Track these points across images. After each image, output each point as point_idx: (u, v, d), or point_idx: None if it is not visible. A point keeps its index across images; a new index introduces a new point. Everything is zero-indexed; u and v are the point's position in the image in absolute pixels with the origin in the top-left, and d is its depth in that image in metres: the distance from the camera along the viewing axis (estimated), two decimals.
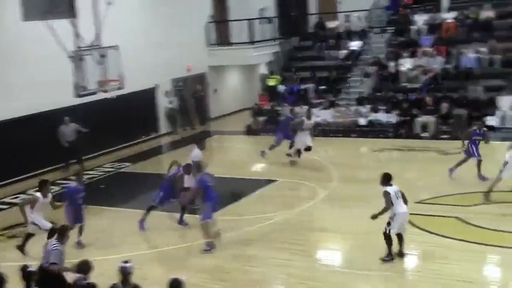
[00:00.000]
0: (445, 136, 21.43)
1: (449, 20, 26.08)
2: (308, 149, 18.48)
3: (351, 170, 17.91)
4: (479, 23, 25.37)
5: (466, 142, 16.06)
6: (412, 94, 23.64)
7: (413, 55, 25.19)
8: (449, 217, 13.13)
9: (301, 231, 13.26)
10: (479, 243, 11.63)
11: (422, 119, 22.08)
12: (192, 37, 26.21)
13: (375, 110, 23.42)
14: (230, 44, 28.30)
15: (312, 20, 30.74)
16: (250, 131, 25.04)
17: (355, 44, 27.45)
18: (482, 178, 15.51)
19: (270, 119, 24.93)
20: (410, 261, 11.49)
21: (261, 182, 17.22)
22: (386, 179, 11.22)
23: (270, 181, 17.14)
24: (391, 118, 22.86)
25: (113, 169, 20.01)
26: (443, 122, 22.10)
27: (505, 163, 14.02)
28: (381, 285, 10.55)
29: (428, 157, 18.98)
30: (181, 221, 13.70)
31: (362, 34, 27.97)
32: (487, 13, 25.35)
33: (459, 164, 15.96)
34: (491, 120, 21.57)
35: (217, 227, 12.56)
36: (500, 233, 12.10)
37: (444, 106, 22.13)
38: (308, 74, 26.92)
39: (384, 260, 11.06)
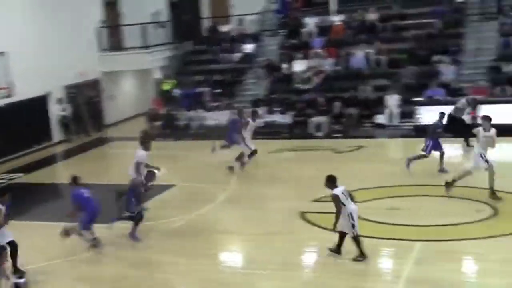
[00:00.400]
0: (338, 135, 22.17)
1: (337, 23, 27.00)
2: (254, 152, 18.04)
3: (249, 172, 18.14)
4: (365, 26, 26.44)
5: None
6: (306, 95, 24.28)
7: (305, 57, 25.84)
8: None
9: (202, 234, 13.30)
10: (372, 237, 12.12)
11: (316, 119, 22.72)
12: (83, 42, 25.69)
13: (270, 111, 23.85)
14: (124, 49, 27.99)
15: (206, 24, 30.90)
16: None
17: (248, 47, 27.85)
18: (443, 171, 16.19)
19: (166, 124, 24.84)
20: (311, 258, 11.83)
21: (160, 187, 17.12)
22: (331, 181, 11.05)
23: (168, 186, 17.09)
24: (286, 119, 23.38)
25: (4, 181, 19.30)
26: (336, 121, 22.86)
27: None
28: (284, 284, 10.75)
29: (322, 156, 19.53)
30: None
31: (255, 37, 28.41)
32: (372, 16, 26.45)
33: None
34: (380, 119, 22.56)
35: (94, 236, 12.43)
36: (391, 226, 12.66)
37: (336, 106, 22.89)
38: (203, 78, 27.03)
39: (357, 260, 11.03)
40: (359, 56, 24.99)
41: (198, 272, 11.31)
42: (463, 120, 19.26)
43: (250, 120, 18.16)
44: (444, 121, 17.15)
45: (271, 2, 29.94)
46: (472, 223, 12.44)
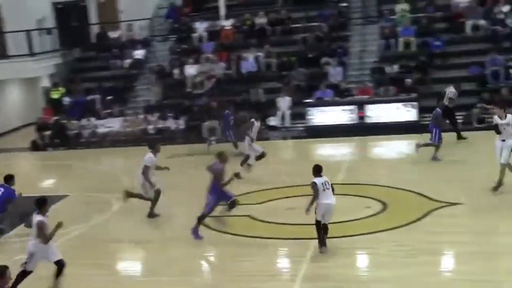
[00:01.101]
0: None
1: (227, 27, 27.28)
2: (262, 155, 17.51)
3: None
4: (254, 29, 26.88)
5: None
6: (198, 99, 24.37)
7: (196, 61, 25.94)
8: (241, 216, 13.77)
9: (99, 245, 13.10)
10: (270, 238, 12.39)
11: (209, 123, 22.84)
12: None
13: (163, 117, 23.76)
14: (7, 57, 26.98)
15: (94, 30, 30.33)
16: (35, 147, 24.05)
17: (139, 53, 27.60)
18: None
19: (56, 134, 24.18)
20: (210, 262, 11.94)
21: (52, 198, 16.67)
22: (316, 170, 11.30)
23: (61, 197, 16.68)
24: (180, 124, 23.38)
25: None
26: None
27: None
28: None
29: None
30: None
31: (145, 43, 28.21)
32: (261, 20, 26.92)
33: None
34: (272, 121, 23.01)
35: None
36: (288, 225, 12.98)
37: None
38: (93, 85, 26.51)
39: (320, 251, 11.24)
40: (249, 59, 25.38)
41: (95, 283, 11.12)
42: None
43: (254, 121, 17.54)
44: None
45: (160, 7, 29.84)
46: (363, 219, 12.96)
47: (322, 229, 11.28)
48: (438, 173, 15.73)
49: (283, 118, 23.07)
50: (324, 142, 21.25)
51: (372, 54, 24.94)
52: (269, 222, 13.25)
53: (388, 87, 22.60)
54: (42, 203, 10.32)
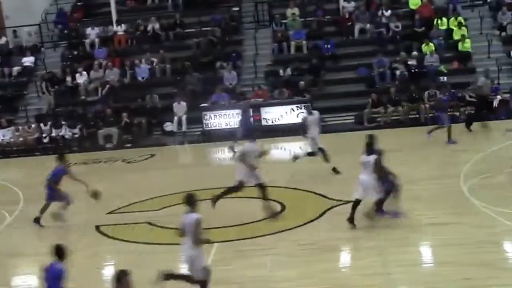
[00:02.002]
0: (128, 145, 22.19)
1: (120, 33, 26.93)
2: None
3: (39, 190, 17.41)
4: (147, 35, 26.68)
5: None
6: (92, 106, 23.92)
7: (89, 68, 25.42)
8: (140, 223, 13.68)
9: None
10: (171, 244, 12.35)
11: (105, 131, 22.49)
12: None
13: (56, 126, 23.13)
14: None
15: None
16: None
17: (27, 60, 26.72)
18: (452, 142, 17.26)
19: None
20: (110, 271, 11.76)
21: None
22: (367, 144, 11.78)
23: None
24: (74, 132, 22.86)
25: None
26: (125, 131, 22.82)
27: None
28: None
29: (114, 167, 19.42)
30: None
31: (34, 50, 27.35)
32: (153, 25, 26.76)
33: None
34: (168, 126, 22.96)
35: None
36: None
37: (124, 116, 22.84)
38: None
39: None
40: (143, 65, 25.16)
41: None
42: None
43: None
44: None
45: (48, 13, 29.03)
46: (262, 220, 13.18)
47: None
48: (330, 171, 16.19)
49: (179, 123, 23.05)
50: (220, 146, 21.39)
51: (266, 58, 25.38)
52: (169, 228, 13.20)
53: (282, 89, 23.08)
54: None
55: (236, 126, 19.86)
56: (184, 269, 9.49)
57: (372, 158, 11.70)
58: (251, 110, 20.02)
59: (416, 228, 11.97)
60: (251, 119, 19.90)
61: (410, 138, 18.97)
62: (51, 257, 8.40)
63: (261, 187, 13.20)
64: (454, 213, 12.37)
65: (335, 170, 15.86)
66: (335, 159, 16.58)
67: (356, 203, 12.01)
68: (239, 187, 13.34)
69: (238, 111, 21.66)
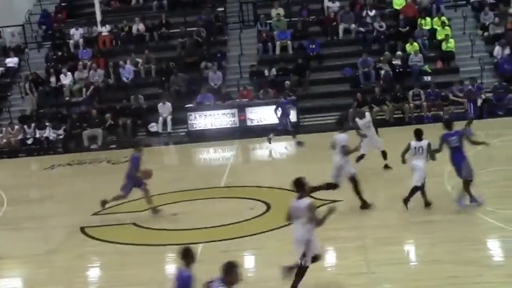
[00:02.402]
0: (113, 146, 22.12)
1: (104, 33, 26.83)
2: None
3: (23, 191, 17.42)
4: (132, 36, 26.60)
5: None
6: (77, 107, 23.82)
7: (73, 69, 25.30)
8: (125, 224, 13.65)
9: None
10: (156, 245, 12.35)
11: (89, 131, 22.40)
12: None
13: (40, 127, 23.00)
14: None
15: None
16: None
17: (11, 61, 26.55)
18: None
19: None
20: (96, 272, 11.74)
21: None
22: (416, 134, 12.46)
23: None
24: (59, 133, 22.75)
25: None
26: (110, 132, 22.75)
27: None
28: None
29: (99, 168, 19.36)
30: None
31: (18, 50, 27.19)
32: (138, 26, 26.68)
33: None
34: (153, 127, 22.91)
35: None
36: (174, 231, 12.99)
37: (108, 117, 22.76)
38: None
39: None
40: (128, 66, 25.08)
41: None
42: None
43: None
44: None
45: (32, 13, 28.86)
46: (248, 220, 13.20)
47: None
48: (319, 172, 16.19)
49: (164, 124, 23.00)
50: (206, 146, 21.40)
51: (251, 58, 25.38)
52: (154, 229, 13.20)
53: (267, 89, 23.09)
54: None
55: (276, 120, 19.80)
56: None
57: (425, 143, 12.30)
58: (287, 106, 19.87)
59: (400, 227, 12.04)
60: (289, 114, 19.94)
61: (395, 137, 19.04)
62: (178, 261, 7.86)
63: (354, 180, 13.04)
64: (438, 212, 12.44)
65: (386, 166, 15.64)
66: (322, 159, 16.61)
67: (415, 190, 12.48)
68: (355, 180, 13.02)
69: (224, 111, 21.82)
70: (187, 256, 7.73)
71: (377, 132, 16.17)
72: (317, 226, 9.27)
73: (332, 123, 21.89)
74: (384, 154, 15.71)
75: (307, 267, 9.30)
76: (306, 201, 9.24)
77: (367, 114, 15.90)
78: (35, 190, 17.60)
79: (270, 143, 19.61)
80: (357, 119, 15.87)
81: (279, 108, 19.74)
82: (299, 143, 19.34)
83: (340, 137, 13.14)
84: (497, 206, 12.29)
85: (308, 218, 9.15)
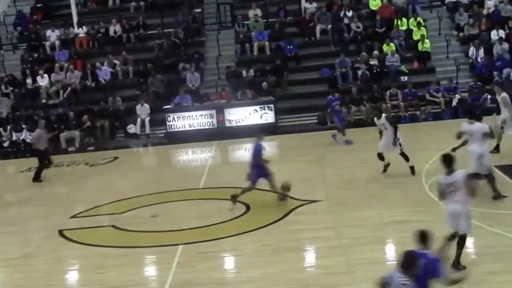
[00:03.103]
0: (91, 148, 22.00)
1: (81, 35, 26.67)
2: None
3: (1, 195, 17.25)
4: (109, 37, 26.47)
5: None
6: (54, 109, 23.64)
7: (50, 71, 25.11)
8: (104, 226, 13.59)
9: None
10: (136, 247, 12.31)
11: (67, 134, 22.26)
12: None
13: (17, 129, 22.80)
14: None
15: None
16: None
17: None
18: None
19: None
20: (74, 276, 11.67)
21: None
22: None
23: None
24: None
25: None
26: (88, 134, 22.63)
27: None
28: None
29: (77, 171, 19.24)
30: None
31: None
32: (115, 27, 26.55)
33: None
34: (132, 128, 22.82)
35: None
36: (153, 233, 12.97)
37: (86, 119, 22.63)
38: None
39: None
40: (105, 68, 24.96)
41: None
42: None
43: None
44: None
45: (7, 15, 28.59)
46: (227, 221, 13.20)
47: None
48: (298, 173, 16.28)
49: (142, 125, 22.93)
50: (185, 148, 21.37)
51: (228, 59, 25.40)
52: (133, 231, 13.16)
53: (245, 90, 23.11)
54: None
55: (334, 119, 19.82)
56: None
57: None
58: (334, 104, 19.80)
59: (379, 227, 12.11)
60: (339, 111, 19.97)
61: (373, 137, 19.18)
62: (413, 244, 7.65)
63: (490, 177, 12.74)
64: (417, 211, 12.54)
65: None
66: (300, 159, 16.66)
67: (490, 177, 12.43)
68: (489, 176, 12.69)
69: (202, 112, 21.84)
70: (425, 238, 7.64)
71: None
72: (473, 196, 9.52)
73: (310, 123, 22.24)
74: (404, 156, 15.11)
75: (466, 236, 9.56)
76: (461, 172, 9.47)
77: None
78: (12, 193, 17.42)
79: (340, 141, 18.96)
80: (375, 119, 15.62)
81: (329, 106, 19.85)
82: (347, 142, 18.94)
83: (477, 126, 12.66)
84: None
85: (466, 188, 9.36)
